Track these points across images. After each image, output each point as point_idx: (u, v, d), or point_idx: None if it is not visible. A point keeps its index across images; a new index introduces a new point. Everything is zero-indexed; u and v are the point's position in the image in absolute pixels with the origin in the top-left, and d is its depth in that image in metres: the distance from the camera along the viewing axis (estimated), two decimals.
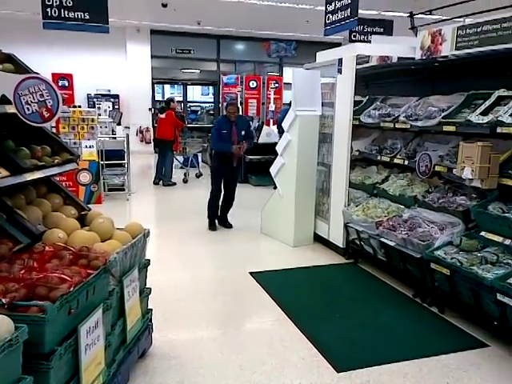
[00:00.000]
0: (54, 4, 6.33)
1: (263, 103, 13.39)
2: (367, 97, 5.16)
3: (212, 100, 16.72)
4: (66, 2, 6.38)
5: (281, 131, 6.70)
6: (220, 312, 3.62)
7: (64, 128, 7.46)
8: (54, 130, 6.82)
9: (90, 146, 7.27)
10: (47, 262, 2.13)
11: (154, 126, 13.97)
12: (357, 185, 4.84)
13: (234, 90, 13.32)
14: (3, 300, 1.74)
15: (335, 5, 5.90)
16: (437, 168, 3.81)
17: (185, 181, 9.41)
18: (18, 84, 2.34)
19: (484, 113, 3.43)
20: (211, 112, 16.26)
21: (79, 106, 9.15)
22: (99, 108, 12.81)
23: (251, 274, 4.36)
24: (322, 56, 5.34)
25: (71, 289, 1.89)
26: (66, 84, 13.13)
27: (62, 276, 1.94)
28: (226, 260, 4.93)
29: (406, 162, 4.20)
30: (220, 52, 15.39)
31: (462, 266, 3.13)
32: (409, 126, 4.10)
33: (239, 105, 13.02)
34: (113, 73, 14.25)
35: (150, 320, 2.97)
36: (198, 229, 5.88)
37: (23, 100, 2.37)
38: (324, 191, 5.24)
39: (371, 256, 4.40)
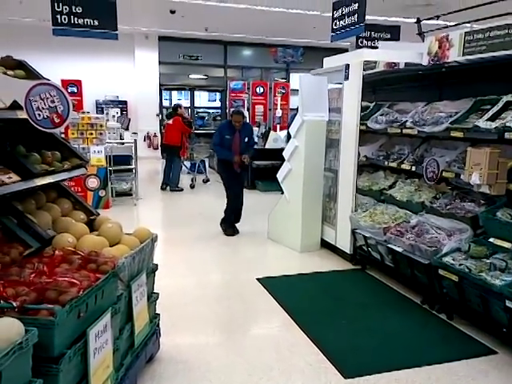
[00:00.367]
0: (64, 11, 6.41)
1: (270, 109, 13.42)
2: (374, 102, 5.16)
3: (219, 106, 16.79)
4: (75, 9, 6.46)
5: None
6: (227, 317, 3.62)
7: (73, 134, 7.52)
8: (63, 136, 6.89)
9: (98, 152, 7.32)
10: (57, 266, 2.16)
11: (161, 132, 14.05)
12: (364, 191, 4.83)
13: (241, 95, 13.38)
14: (14, 303, 1.76)
15: (342, 11, 5.93)
16: (444, 174, 3.80)
17: (192, 186, 9.44)
18: (29, 90, 2.38)
19: (492, 118, 3.42)
20: (218, 118, 16.33)
21: (88, 112, 9.24)
22: (107, 114, 12.90)
23: (258, 279, 4.36)
24: (329, 62, 5.35)
25: (80, 293, 1.91)
26: (75, 90, 13.24)
27: (72, 280, 1.96)
28: (233, 265, 4.93)
29: (414, 168, 4.19)
30: (227, 58, 15.47)
31: (471, 272, 3.12)
32: (416, 132, 4.09)
33: (246, 110, 13.11)
34: (121, 79, 14.37)
35: (158, 325, 2.98)
36: (205, 234, 5.89)
37: (34, 106, 2.40)
38: (331, 197, 5.23)
39: (378, 262, 4.38)
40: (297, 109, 9.79)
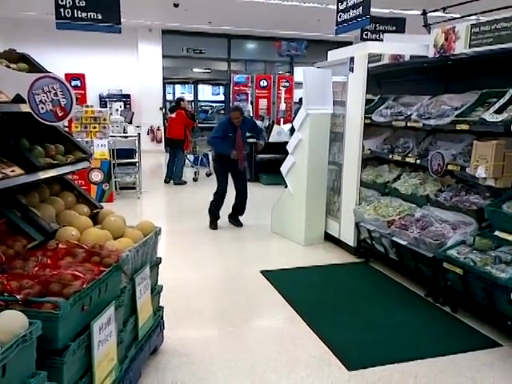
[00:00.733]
0: (67, 4, 6.40)
1: (274, 102, 13.38)
2: (379, 95, 5.11)
3: (223, 99, 16.75)
4: (78, 3, 6.44)
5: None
6: (231, 310, 3.63)
7: (76, 127, 7.53)
8: (66, 130, 6.90)
9: (101, 145, 7.33)
10: (60, 259, 2.16)
11: (164, 126, 14.04)
12: (368, 184, 4.81)
13: (245, 89, 13.34)
14: (18, 296, 1.76)
15: (347, 3, 5.87)
16: (449, 167, 3.77)
17: (195, 179, 9.44)
18: (32, 83, 2.38)
19: (498, 111, 3.39)
20: (222, 112, 16.29)
21: (91, 106, 9.24)
22: (111, 108, 12.89)
23: (262, 272, 4.37)
24: (334, 55, 5.32)
25: (84, 286, 1.91)
26: (79, 84, 13.25)
27: (75, 273, 1.96)
28: (237, 258, 4.94)
29: (418, 161, 4.16)
30: (231, 51, 15.41)
31: (476, 265, 3.10)
32: (421, 125, 4.06)
33: (250, 104, 13.08)
34: (124, 73, 14.35)
35: (162, 317, 2.98)
36: (208, 227, 5.89)
37: (37, 99, 2.40)
38: (335, 190, 5.22)
39: (383, 255, 4.37)
40: (299, 101, 9.77)
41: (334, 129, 5.17)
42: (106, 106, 13.16)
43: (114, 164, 7.58)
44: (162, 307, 3.02)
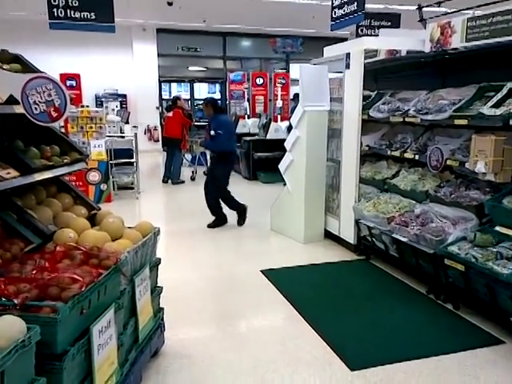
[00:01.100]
0: (60, 4, 6.35)
1: (270, 100, 13.33)
2: (376, 91, 5.09)
3: (219, 97, 16.70)
4: (71, 3, 6.39)
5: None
6: (231, 310, 3.60)
7: (73, 128, 7.48)
8: (62, 130, 6.85)
9: (98, 146, 7.28)
10: (58, 261, 2.13)
11: (161, 125, 13.99)
12: (367, 180, 4.79)
13: (241, 87, 13.28)
14: (15, 301, 1.73)
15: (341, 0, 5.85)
16: (448, 162, 3.75)
17: (192, 178, 9.41)
18: (25, 84, 2.34)
19: (496, 105, 3.37)
20: None
21: (87, 106, 9.18)
22: (107, 107, 12.84)
23: (262, 271, 4.34)
24: (330, 51, 5.29)
25: (83, 289, 1.88)
26: (74, 84, 13.17)
27: (74, 276, 1.93)
28: (237, 257, 4.91)
29: (417, 157, 4.14)
30: (226, 49, 15.35)
31: (477, 261, 3.08)
32: (419, 120, 4.04)
33: (246, 101, 13.05)
34: (120, 72, 14.28)
35: (162, 319, 2.96)
36: (207, 227, 5.86)
37: (31, 100, 2.36)
38: (334, 187, 5.19)
39: (383, 252, 4.35)
40: (293, 98, 9.71)
41: (331, 125, 5.14)
42: (102, 106, 13.11)
43: (111, 164, 7.54)
44: (163, 308, 2.99)
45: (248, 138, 9.81)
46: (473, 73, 4.04)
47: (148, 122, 14.62)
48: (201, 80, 16.65)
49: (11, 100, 2.33)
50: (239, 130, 10.54)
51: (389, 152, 4.53)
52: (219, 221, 5.88)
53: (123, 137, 8.42)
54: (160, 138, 14.44)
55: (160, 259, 2.96)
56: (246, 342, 3.09)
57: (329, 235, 5.29)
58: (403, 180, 4.41)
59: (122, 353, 2.27)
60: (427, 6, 5.22)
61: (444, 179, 4.09)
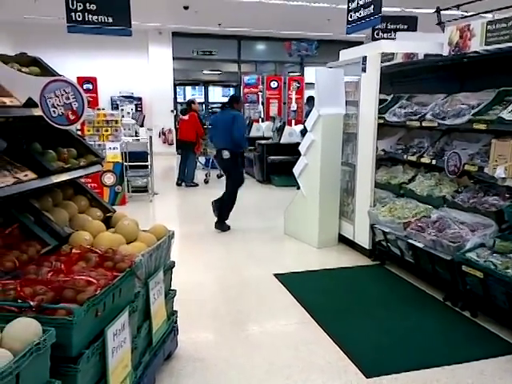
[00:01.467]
0: (78, 8, 6.43)
1: (284, 103, 13.33)
2: (392, 95, 5.04)
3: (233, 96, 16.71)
4: (89, 6, 6.47)
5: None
6: (244, 313, 3.59)
7: (89, 130, 7.57)
8: (79, 133, 6.92)
9: (114, 148, 7.35)
10: (74, 264, 2.13)
11: (176, 128, 14.07)
12: (382, 185, 4.74)
13: (255, 90, 13.31)
14: (31, 303, 1.74)
15: (358, 2, 5.80)
16: (466, 167, 3.68)
17: (206, 181, 9.43)
18: (44, 87, 2.36)
19: None
20: None
21: (103, 109, 9.28)
22: (122, 110, 12.96)
23: (275, 275, 4.32)
24: (346, 54, 5.26)
25: (98, 291, 1.88)
26: (91, 87, 13.35)
27: (89, 279, 1.93)
28: (250, 261, 4.90)
29: (434, 162, 4.08)
30: (241, 53, 15.39)
31: (497, 268, 3.02)
32: (436, 125, 3.98)
33: (261, 105, 13.05)
34: (135, 75, 14.42)
35: (176, 322, 2.95)
36: (216, 229, 5.85)
37: (49, 103, 2.39)
38: (348, 191, 5.15)
39: (398, 258, 4.29)
40: (307, 101, 9.68)
41: (346, 129, 5.10)
42: (118, 109, 13.24)
43: (126, 167, 7.60)
44: (176, 311, 2.99)
45: (262, 142, 9.80)
46: (492, 77, 3.97)
47: (163, 124, 14.73)
48: (215, 83, 16.70)
49: (30, 103, 2.35)
50: (253, 133, 10.55)
51: (405, 156, 4.47)
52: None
53: (138, 139, 8.49)
54: (174, 141, 14.51)
55: (174, 262, 2.96)
56: (259, 347, 3.06)
57: (343, 240, 5.25)
58: (420, 185, 4.35)
59: (135, 356, 2.27)
60: (446, 10, 5.15)
61: (462, 184, 4.02)
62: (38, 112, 2.37)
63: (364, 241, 4.80)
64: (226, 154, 5.70)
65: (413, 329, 3.30)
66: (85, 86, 13.00)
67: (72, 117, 2.47)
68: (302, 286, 4.12)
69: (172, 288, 2.98)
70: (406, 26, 8.17)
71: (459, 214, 3.75)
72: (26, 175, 2.35)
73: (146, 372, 2.39)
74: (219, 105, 16.71)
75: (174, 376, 2.71)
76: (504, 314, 3.19)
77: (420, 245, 3.79)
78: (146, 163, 7.96)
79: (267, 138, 10.29)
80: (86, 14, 6.48)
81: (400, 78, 5.14)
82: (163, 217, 6.83)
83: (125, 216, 2.90)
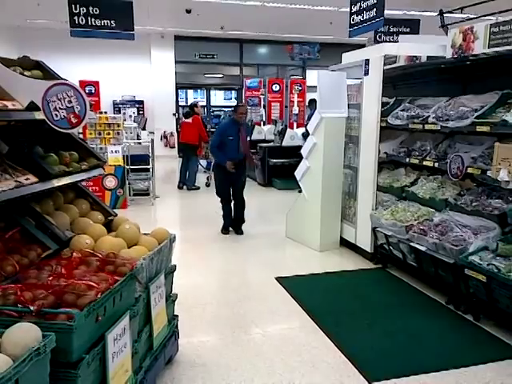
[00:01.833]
0: (81, 12, 6.46)
1: (286, 106, 13.32)
2: (394, 98, 5.03)
3: (235, 104, 16.74)
4: (92, 10, 6.50)
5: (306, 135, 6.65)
6: (246, 318, 3.57)
7: (91, 134, 7.58)
8: (81, 136, 6.93)
9: (115, 151, 7.34)
10: (75, 268, 2.13)
11: (178, 131, 14.08)
12: (385, 188, 4.72)
13: (257, 93, 13.31)
14: (31, 307, 1.73)
15: (360, 6, 5.81)
16: (469, 170, 3.67)
17: (207, 185, 9.42)
18: (46, 90, 2.36)
19: None
20: None
21: (105, 112, 9.29)
22: (124, 114, 12.98)
23: (277, 279, 4.30)
24: (348, 57, 5.25)
25: (98, 296, 1.87)
26: (93, 91, 13.37)
27: (90, 283, 1.92)
28: (251, 264, 4.88)
29: (436, 165, 4.07)
30: (243, 56, 15.41)
31: (500, 272, 3.00)
32: (439, 127, 3.97)
33: (262, 108, 13.04)
34: (138, 79, 14.45)
35: (176, 326, 2.94)
36: (220, 228, 5.83)
37: (51, 106, 2.38)
38: (351, 195, 5.13)
39: (401, 261, 4.27)
40: (308, 104, 9.67)
41: (349, 132, 5.09)
42: (120, 113, 13.27)
43: (127, 170, 7.60)
44: (177, 316, 2.97)
45: (264, 145, 9.80)
46: (495, 79, 3.97)
47: (164, 128, 14.74)
48: (217, 87, 16.73)
49: (32, 106, 2.35)
50: (255, 136, 10.54)
51: (407, 159, 4.46)
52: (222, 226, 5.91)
53: (140, 143, 8.49)
54: (176, 144, 14.53)
55: (175, 266, 2.95)
56: (261, 351, 3.04)
57: (345, 243, 5.23)
58: (422, 188, 4.34)
59: (136, 360, 2.25)
60: (449, 12, 5.14)
61: (465, 187, 4.01)
62: (40, 115, 2.37)
63: (366, 244, 4.78)
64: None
65: (415, 333, 3.27)
66: (87, 90, 13.02)
67: (74, 120, 2.46)
68: (304, 289, 4.10)
69: (173, 292, 2.97)
70: (408, 29, 8.17)
71: (462, 217, 3.73)
72: (27, 179, 2.35)
73: (147, 377, 2.37)
74: (221, 108, 16.86)
75: (175, 381, 2.69)
76: (507, 317, 3.17)
77: (422, 248, 3.77)
78: (148, 166, 7.96)
79: (269, 141, 10.29)
80: (89, 17, 6.51)
81: (403, 81, 5.14)
82: (164, 220, 6.82)
83: (126, 220, 2.90)
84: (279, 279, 4.29)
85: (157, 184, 8.29)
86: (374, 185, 4.66)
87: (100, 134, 7.60)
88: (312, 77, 12.96)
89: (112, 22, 6.60)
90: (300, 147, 5.48)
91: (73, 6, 6.41)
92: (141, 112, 14.39)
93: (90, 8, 6.48)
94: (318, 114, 5.00)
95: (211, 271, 4.62)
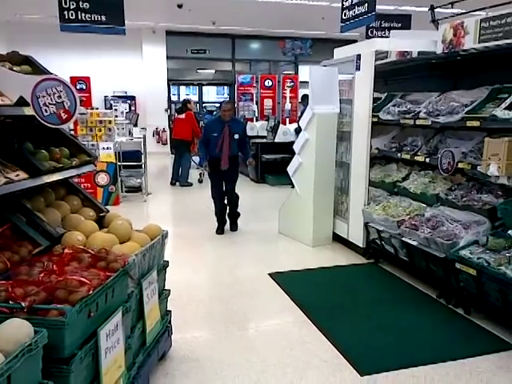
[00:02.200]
0: (71, 7, 6.38)
1: (279, 102, 13.32)
2: (386, 93, 5.05)
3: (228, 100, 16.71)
4: (82, 5, 6.42)
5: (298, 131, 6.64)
6: (239, 313, 3.58)
7: (82, 130, 7.52)
8: (72, 133, 6.88)
9: (107, 148, 7.30)
10: (66, 264, 2.11)
11: (170, 127, 14.02)
12: (376, 183, 4.75)
13: (250, 89, 13.28)
14: (22, 303, 1.72)
15: (352, 1, 5.82)
16: (460, 165, 3.70)
17: (200, 181, 9.40)
18: (35, 85, 2.33)
19: (510, 107, 3.31)
20: None
21: (97, 108, 9.22)
22: (116, 110, 12.90)
23: (270, 274, 4.31)
24: (340, 52, 5.26)
25: (90, 292, 1.87)
26: (84, 87, 13.26)
27: (81, 279, 1.91)
28: (244, 260, 4.89)
29: (428, 160, 4.09)
30: (235, 52, 15.36)
31: (490, 266, 3.03)
32: (430, 123, 3.99)
33: (255, 104, 13.02)
34: (129, 75, 14.35)
35: (170, 322, 2.94)
36: (215, 229, 5.83)
37: (41, 102, 2.36)
38: (343, 190, 5.15)
39: (392, 256, 4.30)
40: (301, 100, 9.67)
41: (341, 128, 5.11)
42: (111, 109, 13.18)
43: (119, 166, 7.55)
44: (170, 311, 2.98)
45: (256, 141, 9.79)
46: (485, 74, 3.99)
47: (157, 124, 14.66)
48: (209, 82, 16.67)
49: (21, 102, 2.32)
50: (247, 132, 10.50)
51: (399, 155, 4.48)
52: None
53: (132, 139, 8.44)
54: (168, 141, 14.48)
55: (168, 262, 2.95)
56: (255, 346, 3.06)
57: (337, 238, 5.25)
58: (413, 183, 4.36)
59: (129, 356, 2.25)
60: (439, 7, 5.16)
61: (455, 182, 4.04)
62: (29, 111, 2.35)
63: (358, 239, 4.81)
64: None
65: (407, 326, 3.30)
66: (78, 86, 12.92)
67: (64, 116, 2.44)
68: (297, 284, 4.12)
69: (166, 288, 2.97)
70: (399, 24, 8.20)
71: (453, 212, 3.77)
72: (17, 175, 2.32)
73: (140, 372, 2.37)
74: (214, 104, 16.81)
75: (169, 376, 2.70)
76: (497, 311, 3.21)
77: (414, 243, 3.80)
78: (140, 163, 7.93)
79: (262, 137, 10.28)
80: (79, 12, 6.43)
81: (394, 76, 5.16)
82: (157, 217, 6.80)
83: (118, 216, 2.89)
84: (272, 275, 4.30)
85: (149, 181, 8.26)
86: (366, 180, 4.69)
87: (91, 130, 7.55)
88: (304, 72, 12.98)
89: (102, 16, 6.53)
90: (292, 143, 5.49)
91: (62, 0, 6.34)
92: (132, 108, 14.30)
93: (80, 2, 6.40)
94: (309, 109, 5.01)
95: (204, 267, 4.62)
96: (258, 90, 13.19)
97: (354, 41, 7.88)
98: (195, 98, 15.81)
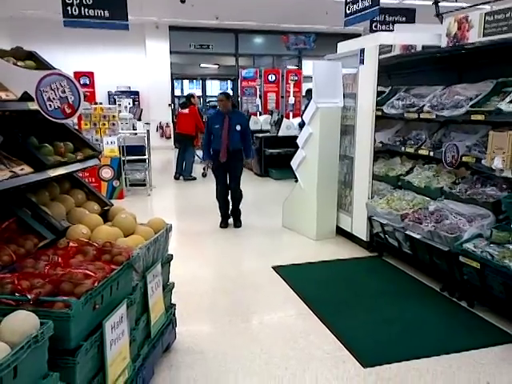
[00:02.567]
0: (74, 2, 6.38)
1: (282, 96, 13.29)
2: (390, 87, 5.03)
3: (231, 95, 16.66)
4: (85, 1, 6.42)
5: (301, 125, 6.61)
6: (243, 306, 3.60)
7: (86, 125, 7.54)
8: (76, 127, 6.91)
9: (111, 142, 7.33)
10: (71, 257, 2.14)
11: (173, 122, 14.03)
12: (380, 177, 4.74)
13: (253, 83, 13.26)
14: (29, 296, 1.74)
15: None
16: (464, 158, 3.69)
17: (204, 175, 9.42)
18: (39, 80, 2.35)
19: None
20: None
21: (100, 103, 9.24)
22: (120, 105, 12.91)
23: (274, 268, 4.33)
24: (344, 46, 5.24)
25: (95, 284, 1.89)
26: (88, 82, 13.29)
27: (86, 272, 1.94)
28: (248, 254, 4.91)
29: (432, 153, 4.08)
30: (238, 46, 15.32)
31: (494, 259, 3.03)
32: (434, 116, 3.98)
33: (258, 98, 12.99)
34: (133, 70, 14.36)
35: (174, 314, 2.96)
36: (218, 223, 5.85)
37: (45, 96, 2.37)
38: (346, 184, 5.15)
39: (396, 249, 4.31)
40: (306, 94, 9.63)
41: (344, 122, 5.10)
42: (115, 103, 13.20)
43: (123, 161, 7.58)
44: (174, 304, 3.00)
45: (260, 135, 9.79)
46: (490, 68, 3.97)
47: (160, 118, 14.68)
48: (213, 77, 16.64)
49: (25, 97, 2.34)
50: (251, 126, 10.48)
51: (403, 148, 4.47)
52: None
53: (136, 134, 8.47)
54: (172, 135, 14.48)
55: (172, 255, 2.96)
56: (258, 339, 3.08)
57: (341, 232, 5.26)
58: (417, 177, 4.35)
59: (134, 348, 2.28)
60: (444, 1, 5.13)
61: (459, 176, 4.03)
62: (33, 106, 2.36)
63: (362, 233, 4.81)
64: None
65: (410, 319, 3.31)
66: (82, 81, 12.94)
67: (68, 110, 2.46)
68: (301, 278, 4.13)
69: (170, 281, 2.99)
70: (404, 18, 8.14)
71: (457, 205, 3.76)
72: (22, 169, 2.35)
73: (145, 364, 2.40)
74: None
75: (173, 368, 2.72)
76: (500, 303, 3.21)
77: (417, 236, 3.80)
78: (144, 157, 7.95)
79: (265, 131, 10.27)
80: (82, 7, 6.43)
81: (398, 70, 5.13)
82: (161, 210, 6.83)
83: (122, 209, 2.90)
84: (276, 268, 4.32)
85: (153, 175, 8.29)
86: (370, 174, 4.68)
87: (95, 125, 7.57)
88: (308, 67, 12.94)
89: (106, 12, 6.52)
90: (296, 137, 5.49)
91: None
92: (136, 103, 14.32)
93: None
94: (313, 103, 5.00)
95: (208, 261, 4.65)
96: (261, 85, 13.16)
97: (358, 35, 7.83)
98: (199, 92, 15.79)
